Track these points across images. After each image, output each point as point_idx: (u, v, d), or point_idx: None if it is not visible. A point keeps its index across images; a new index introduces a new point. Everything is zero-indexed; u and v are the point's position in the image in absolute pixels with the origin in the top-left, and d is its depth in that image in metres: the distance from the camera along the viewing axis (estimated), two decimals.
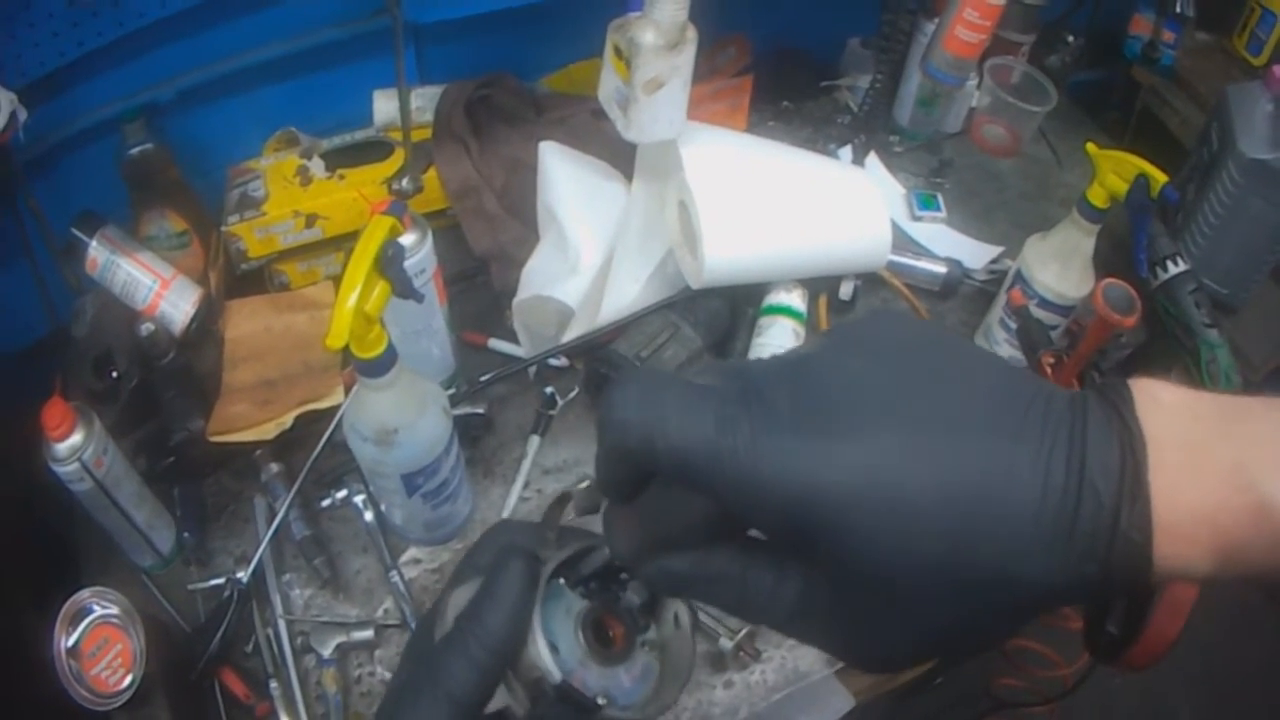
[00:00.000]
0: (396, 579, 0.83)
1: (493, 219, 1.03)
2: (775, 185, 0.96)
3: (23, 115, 0.80)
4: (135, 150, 0.91)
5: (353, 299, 0.61)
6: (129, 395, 0.89)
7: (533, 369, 0.97)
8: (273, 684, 0.76)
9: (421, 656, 0.39)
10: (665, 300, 0.94)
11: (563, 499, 0.43)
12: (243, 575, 0.80)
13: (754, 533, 0.34)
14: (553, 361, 0.97)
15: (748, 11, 1.22)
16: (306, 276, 1.04)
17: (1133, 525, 0.26)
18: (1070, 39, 1.28)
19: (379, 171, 1.03)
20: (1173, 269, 0.99)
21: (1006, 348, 1.01)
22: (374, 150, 1.05)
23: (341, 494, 0.87)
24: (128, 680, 0.68)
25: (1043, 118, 1.13)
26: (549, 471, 0.93)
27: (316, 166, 1.02)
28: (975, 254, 1.16)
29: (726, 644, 0.79)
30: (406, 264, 0.68)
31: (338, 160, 1.03)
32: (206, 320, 0.96)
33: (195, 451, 0.86)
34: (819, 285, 1.04)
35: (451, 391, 0.92)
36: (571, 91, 1.16)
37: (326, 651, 0.77)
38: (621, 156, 1.00)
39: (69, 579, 0.82)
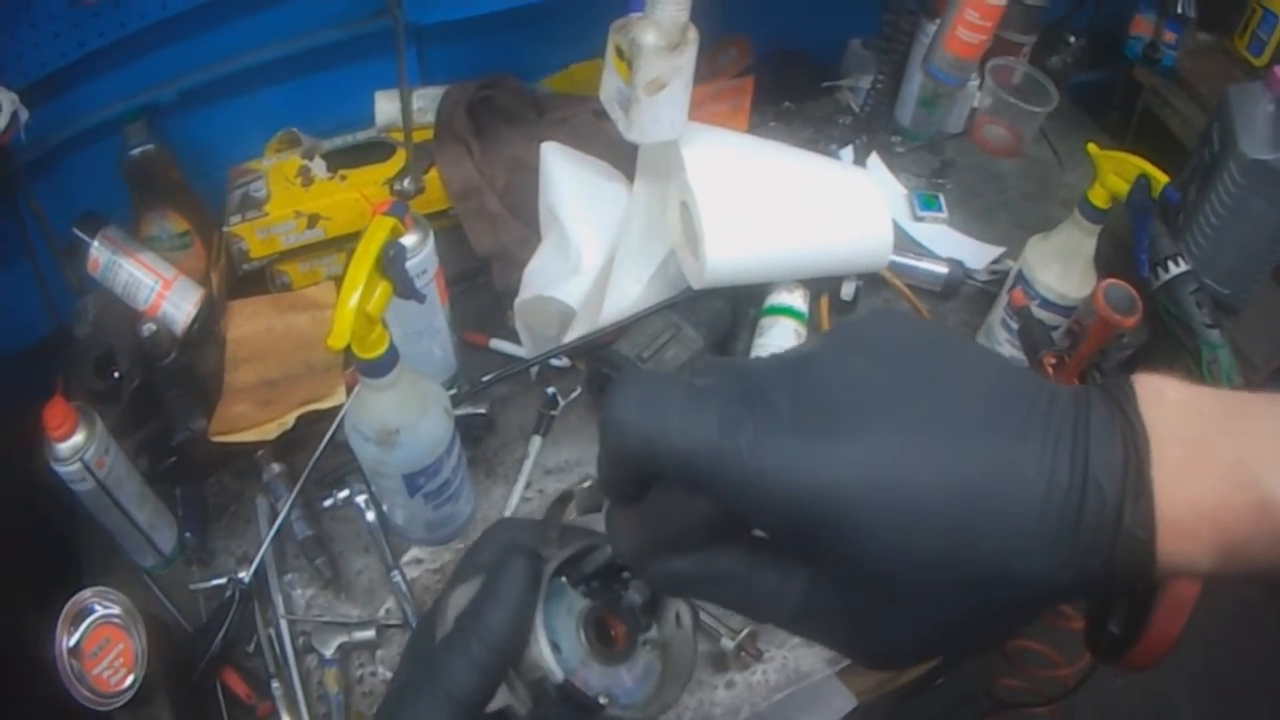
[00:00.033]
0: (398, 579, 0.83)
1: (494, 219, 1.03)
2: (777, 186, 0.96)
3: (24, 116, 0.80)
4: (137, 151, 0.91)
5: (354, 299, 0.61)
6: (131, 395, 0.89)
7: (534, 369, 0.97)
8: (274, 684, 0.76)
9: (422, 656, 0.39)
10: (667, 301, 0.94)
11: (565, 498, 0.43)
12: (244, 575, 0.80)
13: (756, 532, 0.34)
14: (554, 362, 0.97)
15: (749, 12, 1.22)
16: (308, 277, 1.04)
17: (1136, 521, 0.26)
18: (1071, 39, 1.28)
19: (381, 172, 1.03)
20: (1174, 269, 0.99)
21: (1008, 348, 1.00)
22: (376, 151, 1.05)
23: (343, 494, 0.87)
24: (129, 680, 0.68)
25: (1044, 118, 1.13)
26: (551, 472, 0.93)
27: (318, 167, 1.02)
28: (977, 254, 1.16)
29: (728, 644, 0.79)
30: (408, 264, 0.68)
31: (339, 161, 1.03)
32: (208, 320, 0.96)
33: (197, 451, 0.86)
34: (821, 286, 1.04)
35: (453, 392, 0.92)
36: (573, 92, 1.16)
37: (328, 651, 0.77)
38: (623, 157, 1.00)
39: (71, 579, 0.82)
